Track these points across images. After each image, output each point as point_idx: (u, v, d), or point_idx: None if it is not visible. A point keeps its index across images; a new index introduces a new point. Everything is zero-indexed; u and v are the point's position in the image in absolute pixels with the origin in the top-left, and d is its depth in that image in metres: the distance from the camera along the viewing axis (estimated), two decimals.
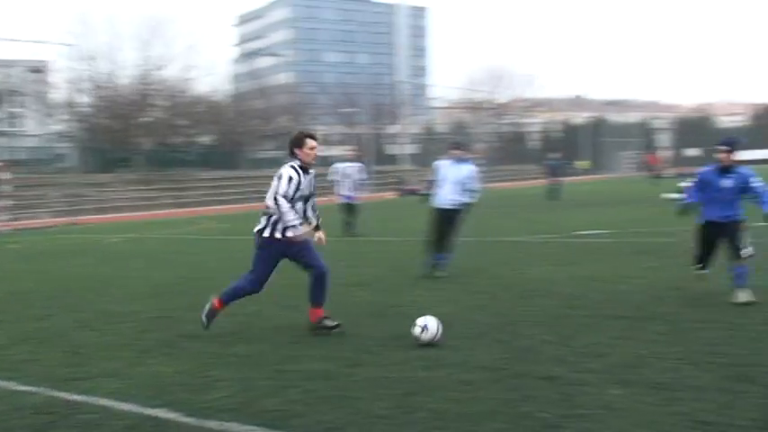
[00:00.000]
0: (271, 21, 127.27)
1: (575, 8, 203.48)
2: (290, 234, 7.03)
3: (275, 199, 7.03)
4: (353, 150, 19.60)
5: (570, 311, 7.93)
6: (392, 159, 63.06)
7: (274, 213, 7.08)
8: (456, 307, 8.42)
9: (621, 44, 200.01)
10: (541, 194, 32.10)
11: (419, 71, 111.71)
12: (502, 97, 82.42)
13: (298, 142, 7.22)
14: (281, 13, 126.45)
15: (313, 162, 7.28)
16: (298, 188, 7.09)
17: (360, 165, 18.60)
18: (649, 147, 78.61)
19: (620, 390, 5.22)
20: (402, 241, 16.19)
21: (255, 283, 7.30)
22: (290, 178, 7.07)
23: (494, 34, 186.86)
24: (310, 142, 7.22)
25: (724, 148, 8.34)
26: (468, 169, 10.84)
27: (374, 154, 54.48)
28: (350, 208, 18.02)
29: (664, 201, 26.89)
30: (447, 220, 10.70)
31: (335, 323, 7.22)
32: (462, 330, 7.19)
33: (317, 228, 7.44)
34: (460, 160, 10.83)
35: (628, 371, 5.67)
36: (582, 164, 65.08)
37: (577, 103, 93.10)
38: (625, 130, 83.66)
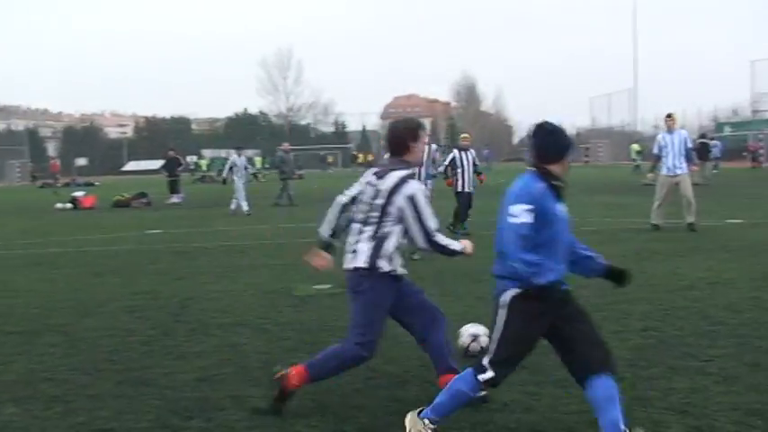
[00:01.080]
0: None
1: None
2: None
3: (431, 240, 4.58)
4: None
5: None
6: None
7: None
8: None
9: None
10: None
11: None
12: None
13: (414, 134, 4.72)
14: None
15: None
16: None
17: None
18: (39, 156, 76.72)
19: (16, 408, 5.01)
20: None
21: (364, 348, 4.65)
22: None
23: None
24: (423, 135, 4.83)
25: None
26: None
27: None
28: None
29: (57, 210, 26.61)
30: None
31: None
32: None
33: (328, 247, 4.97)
34: None
35: (22, 387, 5.47)
36: None
37: None
38: (11, 137, 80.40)
